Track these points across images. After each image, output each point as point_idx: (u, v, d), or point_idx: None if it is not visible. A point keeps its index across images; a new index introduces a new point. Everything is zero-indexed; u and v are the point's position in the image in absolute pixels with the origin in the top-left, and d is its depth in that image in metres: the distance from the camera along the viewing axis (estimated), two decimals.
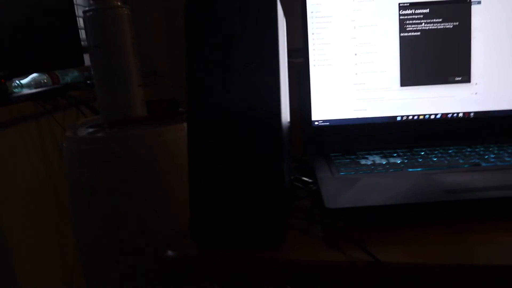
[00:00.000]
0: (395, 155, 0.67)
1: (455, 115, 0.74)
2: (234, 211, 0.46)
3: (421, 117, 0.74)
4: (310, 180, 0.64)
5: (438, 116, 0.74)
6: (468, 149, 0.66)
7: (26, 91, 1.34)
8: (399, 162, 0.63)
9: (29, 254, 1.22)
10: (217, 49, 0.46)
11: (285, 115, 0.54)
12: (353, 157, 0.67)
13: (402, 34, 0.72)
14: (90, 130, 1.00)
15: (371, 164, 0.63)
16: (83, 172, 0.92)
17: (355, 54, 0.72)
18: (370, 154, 0.68)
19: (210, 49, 0.46)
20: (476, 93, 0.73)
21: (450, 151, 0.66)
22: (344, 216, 0.49)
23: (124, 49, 0.96)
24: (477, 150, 0.66)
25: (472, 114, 0.74)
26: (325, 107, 0.74)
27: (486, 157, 0.62)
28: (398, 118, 0.74)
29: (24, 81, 1.40)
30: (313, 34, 0.72)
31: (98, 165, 0.90)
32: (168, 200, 0.91)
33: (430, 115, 0.73)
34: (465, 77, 0.73)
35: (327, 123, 0.74)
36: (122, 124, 0.98)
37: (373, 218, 0.50)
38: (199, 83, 0.46)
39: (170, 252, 0.48)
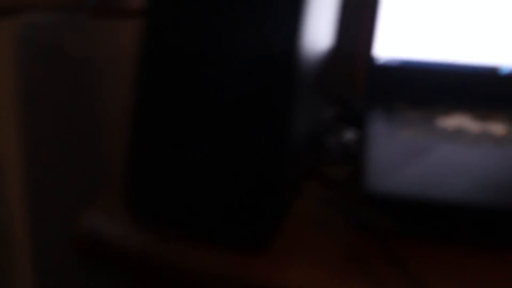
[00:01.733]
0: (494, 118, 0.46)
1: None
2: (196, 170, 0.26)
3: None
4: (352, 136, 0.42)
5: None
6: None
7: None
8: (500, 130, 0.43)
9: None
10: None
11: (316, 41, 0.32)
12: (427, 111, 0.47)
13: None
14: (56, 18, 0.81)
15: (455, 126, 0.43)
16: (33, 69, 0.74)
17: None
18: (455, 112, 0.47)
19: None
20: None
21: None
22: (394, 211, 0.28)
23: None
24: None
25: None
26: (395, 40, 0.53)
27: None
28: (505, 68, 0.51)
29: None
30: None
31: (48, 63, 0.71)
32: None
33: None
34: None
35: (396, 63, 0.54)
36: (108, 14, 0.78)
37: (443, 220, 0.29)
38: None
39: (87, 223, 0.29)
